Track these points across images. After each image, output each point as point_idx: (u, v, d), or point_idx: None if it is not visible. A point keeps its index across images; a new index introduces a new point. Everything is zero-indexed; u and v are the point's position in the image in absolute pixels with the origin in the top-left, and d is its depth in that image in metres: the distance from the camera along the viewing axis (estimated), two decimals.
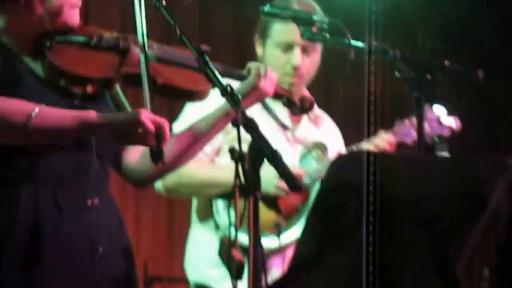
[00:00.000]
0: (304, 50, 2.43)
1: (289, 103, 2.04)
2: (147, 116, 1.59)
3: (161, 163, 1.64)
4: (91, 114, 1.69)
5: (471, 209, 1.76)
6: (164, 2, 1.70)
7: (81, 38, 1.80)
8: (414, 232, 1.76)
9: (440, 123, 2.65)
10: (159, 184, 2.40)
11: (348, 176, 1.72)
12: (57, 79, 1.80)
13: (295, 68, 2.42)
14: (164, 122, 1.61)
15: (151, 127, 1.58)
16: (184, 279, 2.64)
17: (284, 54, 2.43)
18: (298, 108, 2.05)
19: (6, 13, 1.82)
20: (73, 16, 1.80)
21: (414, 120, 2.45)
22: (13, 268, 1.71)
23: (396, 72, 2.09)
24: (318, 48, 2.45)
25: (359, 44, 2.08)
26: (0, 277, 1.69)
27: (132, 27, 1.74)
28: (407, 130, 2.63)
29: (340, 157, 2.09)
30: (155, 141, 1.59)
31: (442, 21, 5.34)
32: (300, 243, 1.79)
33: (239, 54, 3.18)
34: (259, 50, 2.51)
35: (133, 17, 1.72)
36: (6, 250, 1.69)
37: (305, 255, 1.78)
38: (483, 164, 1.87)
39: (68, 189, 1.82)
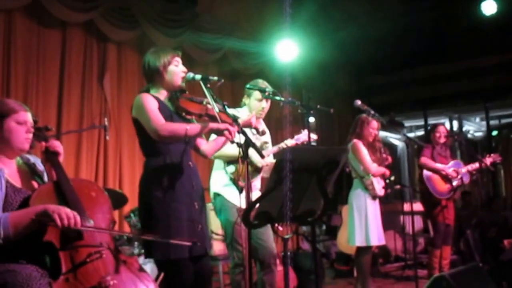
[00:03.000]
0: (266, 101, 4.12)
1: (256, 130, 3.70)
2: (230, 127, 2.92)
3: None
4: (210, 124, 2.99)
5: (332, 167, 3.01)
6: (209, 85, 3.05)
7: (191, 97, 3.09)
8: (311, 176, 2.95)
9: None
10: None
11: (285, 156, 2.83)
12: (181, 111, 3.02)
13: (264, 109, 4.15)
14: (234, 130, 2.93)
15: (233, 131, 2.93)
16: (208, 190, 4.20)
17: (259, 102, 4.14)
18: (259, 133, 3.69)
19: (155, 84, 3.04)
20: (182, 82, 3.07)
21: (304, 132, 4.32)
22: (172, 187, 2.97)
23: (299, 110, 3.74)
24: (269, 100, 4.13)
25: (282, 99, 3.81)
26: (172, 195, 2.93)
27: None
28: (301, 137, 4.36)
29: (282, 150, 3.56)
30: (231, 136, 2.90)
31: (316, 86, 9.04)
32: (268, 181, 2.99)
33: (236, 101, 4.73)
34: (246, 101, 4.20)
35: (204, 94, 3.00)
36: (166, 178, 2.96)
37: (269, 186, 2.91)
38: (337, 150, 3.23)
39: (183, 159, 3.04)
